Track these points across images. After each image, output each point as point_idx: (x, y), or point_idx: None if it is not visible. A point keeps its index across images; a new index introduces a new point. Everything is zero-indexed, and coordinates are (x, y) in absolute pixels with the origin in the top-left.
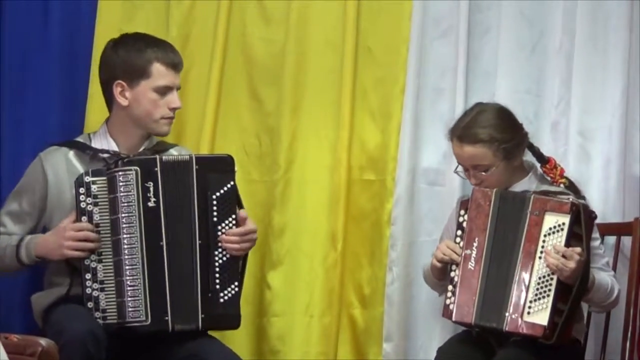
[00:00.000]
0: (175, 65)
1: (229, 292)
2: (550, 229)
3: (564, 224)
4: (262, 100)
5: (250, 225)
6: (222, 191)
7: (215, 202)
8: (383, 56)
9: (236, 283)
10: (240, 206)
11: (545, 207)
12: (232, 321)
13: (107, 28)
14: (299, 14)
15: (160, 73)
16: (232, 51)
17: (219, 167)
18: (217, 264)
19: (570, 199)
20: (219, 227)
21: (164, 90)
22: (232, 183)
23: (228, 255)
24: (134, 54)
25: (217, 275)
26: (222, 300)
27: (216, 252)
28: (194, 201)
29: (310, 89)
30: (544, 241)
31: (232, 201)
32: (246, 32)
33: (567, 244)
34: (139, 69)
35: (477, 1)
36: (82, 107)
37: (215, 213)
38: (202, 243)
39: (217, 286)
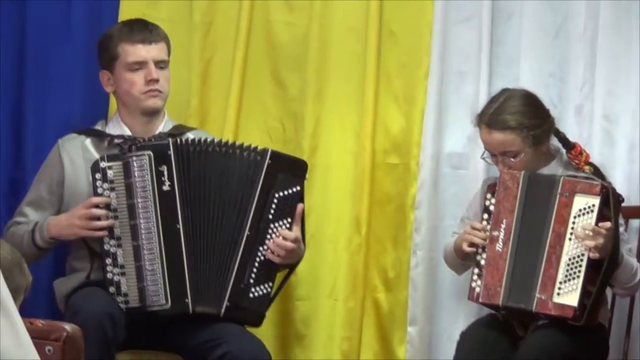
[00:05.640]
0: (143, 39)
1: (261, 289)
2: (580, 210)
3: (593, 205)
4: (285, 85)
5: (297, 233)
6: (286, 192)
7: (275, 201)
8: (407, 40)
9: (270, 284)
10: (302, 223)
11: (575, 188)
12: (254, 318)
13: (130, 15)
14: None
15: (126, 51)
16: (256, 37)
17: (291, 169)
18: (258, 259)
19: (600, 181)
20: (272, 226)
21: (135, 67)
22: (298, 188)
23: None
24: (105, 42)
25: (255, 270)
26: (252, 295)
27: (261, 248)
28: (254, 193)
29: (333, 74)
30: (573, 222)
31: (293, 206)
32: (269, 17)
33: (596, 225)
34: (110, 54)
35: None
36: (105, 95)
37: (272, 211)
38: (250, 235)
39: (252, 280)
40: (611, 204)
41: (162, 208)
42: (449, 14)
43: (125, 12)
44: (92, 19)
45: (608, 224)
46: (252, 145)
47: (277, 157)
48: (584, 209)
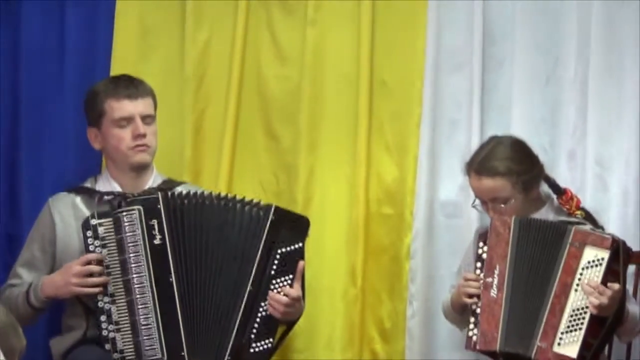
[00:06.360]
0: (129, 95)
1: (262, 344)
2: (588, 262)
3: (602, 259)
4: (278, 137)
5: (298, 291)
6: (288, 248)
7: (278, 257)
8: (398, 90)
9: (271, 339)
10: (302, 279)
11: (585, 240)
12: None
13: (122, 69)
14: (314, 51)
15: (113, 108)
16: (248, 89)
17: (293, 225)
18: (259, 314)
19: (612, 235)
20: (274, 282)
21: (123, 123)
22: (300, 245)
23: None
24: (91, 99)
25: (257, 325)
26: (252, 350)
27: (262, 304)
28: (257, 248)
29: (326, 124)
30: (581, 274)
31: (295, 262)
32: (261, 70)
33: (604, 279)
34: (97, 111)
35: (490, 29)
36: (98, 150)
37: (274, 267)
38: (252, 290)
39: (253, 335)
40: (620, 259)
41: (154, 262)
42: (440, 62)
43: (117, 67)
44: (84, 76)
45: (617, 286)
46: (254, 200)
47: (281, 213)
48: (593, 261)
